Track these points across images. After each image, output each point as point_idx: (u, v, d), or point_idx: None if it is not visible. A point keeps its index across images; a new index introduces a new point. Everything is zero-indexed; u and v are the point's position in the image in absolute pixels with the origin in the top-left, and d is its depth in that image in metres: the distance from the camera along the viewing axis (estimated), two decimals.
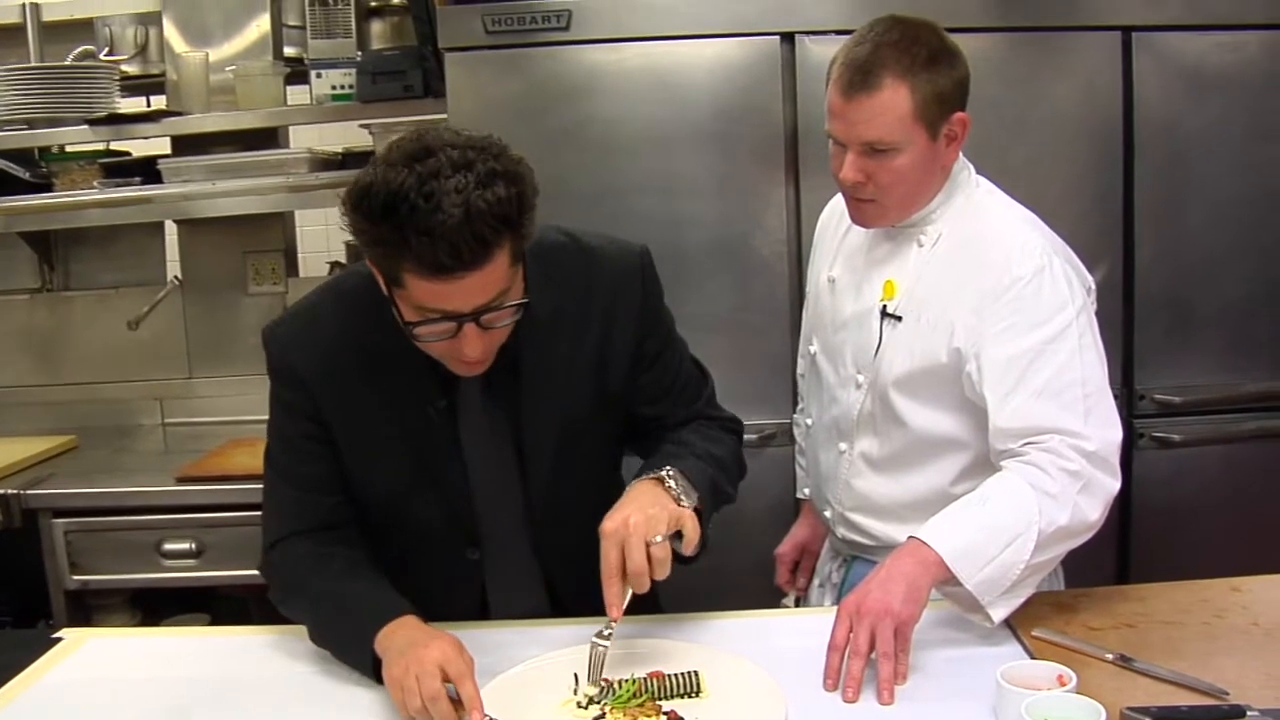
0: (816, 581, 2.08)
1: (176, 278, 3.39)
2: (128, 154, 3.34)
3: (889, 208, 1.76)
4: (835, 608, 1.55)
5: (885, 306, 1.80)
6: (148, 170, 3.14)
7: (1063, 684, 1.36)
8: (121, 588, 2.80)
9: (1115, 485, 1.63)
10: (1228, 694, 1.38)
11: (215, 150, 3.12)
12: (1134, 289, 2.59)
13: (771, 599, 2.16)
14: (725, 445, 1.74)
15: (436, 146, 1.37)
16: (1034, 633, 1.57)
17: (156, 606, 2.88)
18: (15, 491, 2.74)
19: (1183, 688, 1.41)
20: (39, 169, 3.20)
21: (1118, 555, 2.61)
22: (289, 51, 3.23)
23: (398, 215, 1.33)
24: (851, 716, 1.42)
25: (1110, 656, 1.49)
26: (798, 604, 2.14)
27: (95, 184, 3.11)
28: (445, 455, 1.64)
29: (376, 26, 3.16)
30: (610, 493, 1.56)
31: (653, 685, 1.47)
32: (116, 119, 3.10)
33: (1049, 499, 1.56)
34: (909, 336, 1.76)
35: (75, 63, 3.18)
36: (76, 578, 2.73)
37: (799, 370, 2.16)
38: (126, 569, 2.74)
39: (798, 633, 1.68)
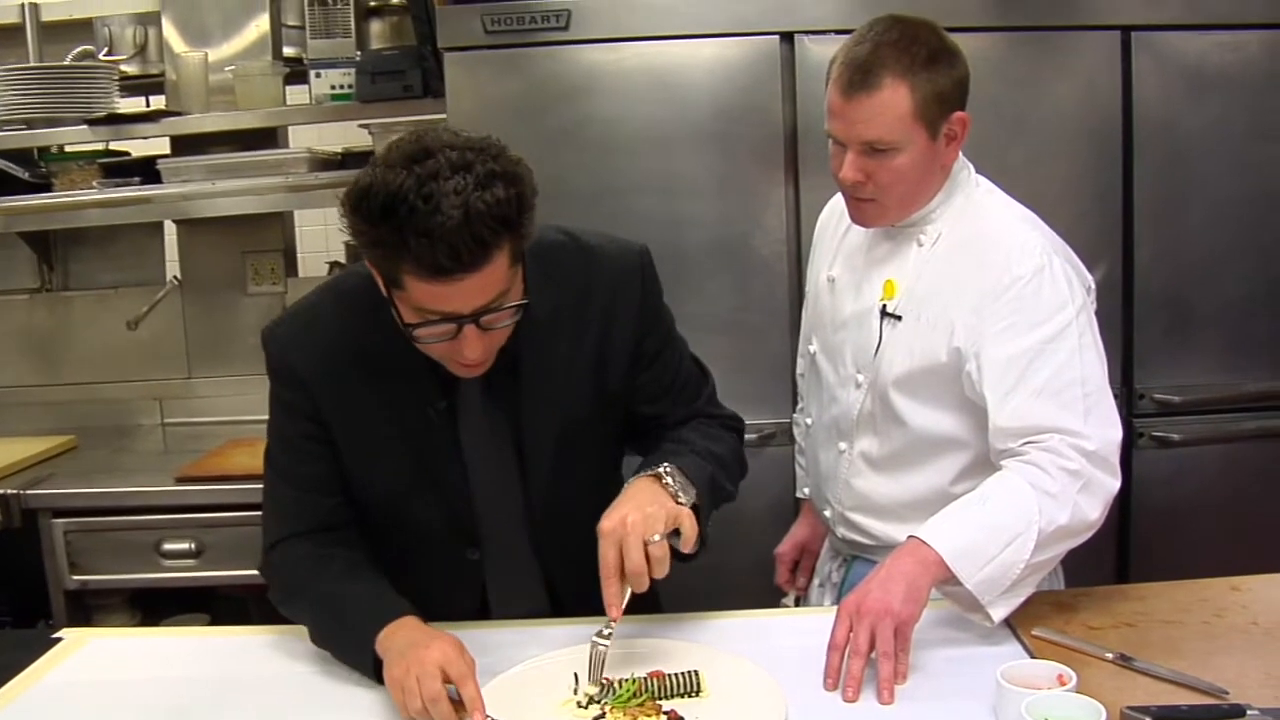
0: (816, 581, 2.08)
1: (176, 278, 3.38)
2: (127, 154, 3.34)
3: (889, 207, 1.76)
4: (835, 607, 1.55)
5: (885, 306, 1.80)
6: (147, 170, 3.14)
7: (1063, 683, 1.36)
8: (121, 588, 2.80)
9: (1115, 484, 1.63)
10: (1227, 693, 1.38)
11: (214, 150, 3.12)
12: (1133, 288, 2.59)
13: (771, 599, 2.16)
14: (725, 443, 1.74)
15: (435, 148, 1.37)
16: (1034, 632, 1.57)
17: (156, 606, 2.88)
18: (15, 491, 2.74)
19: (1182, 687, 1.41)
20: (38, 169, 3.20)
21: (1117, 554, 2.62)
22: (288, 51, 3.23)
23: (396, 217, 1.33)
24: (851, 716, 1.42)
25: (1110, 656, 1.49)
26: (798, 604, 2.14)
27: (94, 184, 3.11)
28: (445, 456, 1.63)
29: (376, 26, 3.16)
30: (610, 492, 1.55)
31: (653, 685, 1.47)
32: (116, 119, 3.10)
33: (1049, 498, 1.56)
34: (909, 336, 1.76)
35: (74, 63, 3.18)
36: (76, 578, 2.73)
37: (799, 370, 2.16)
38: (126, 569, 2.74)
39: (798, 632, 1.68)
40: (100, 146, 3.23)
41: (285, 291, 3.34)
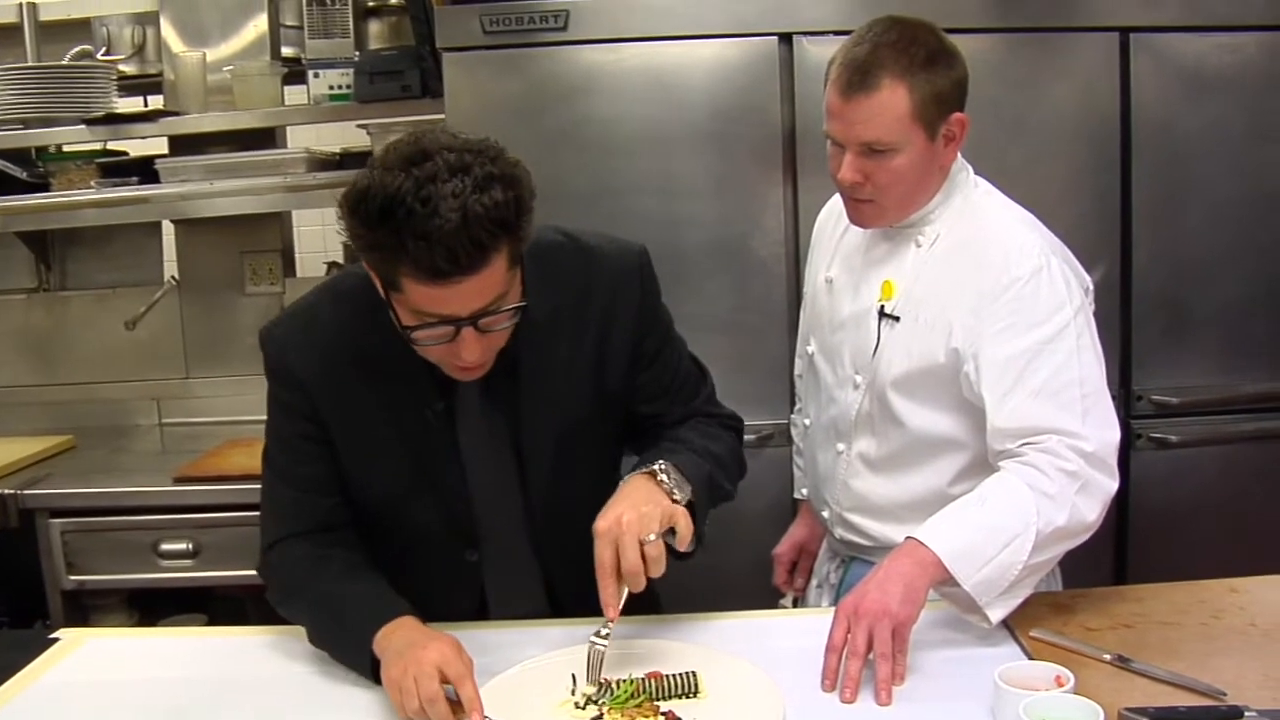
0: (814, 582, 2.08)
1: (174, 278, 3.38)
2: (125, 154, 3.33)
3: (887, 208, 1.76)
4: (833, 608, 1.55)
5: (883, 307, 1.80)
6: (145, 170, 3.14)
7: (1060, 685, 1.36)
8: (118, 588, 2.80)
9: (1113, 486, 1.63)
10: (1225, 694, 1.38)
11: (212, 150, 3.12)
12: (1132, 289, 2.59)
13: (769, 599, 2.16)
14: (724, 442, 1.74)
15: (433, 150, 1.36)
16: (1032, 633, 1.57)
17: (153, 607, 2.87)
18: (12, 491, 2.73)
19: (1180, 688, 1.41)
20: (36, 169, 3.20)
21: (1115, 556, 2.62)
22: (286, 51, 3.23)
23: (394, 220, 1.33)
24: (849, 717, 1.42)
25: (1108, 657, 1.49)
26: (795, 604, 2.14)
27: (92, 184, 3.11)
28: (443, 458, 1.63)
29: (374, 26, 3.16)
30: (609, 492, 1.55)
31: (650, 686, 1.46)
32: (114, 119, 3.10)
33: (1047, 499, 1.56)
34: (907, 337, 1.76)
35: (72, 62, 3.18)
36: (73, 578, 2.73)
37: (797, 371, 2.16)
38: (123, 569, 2.74)
39: (796, 633, 1.68)
40: (98, 146, 3.23)
41: (283, 292, 3.34)
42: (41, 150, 3.25)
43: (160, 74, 3.22)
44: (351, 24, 3.08)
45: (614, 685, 1.47)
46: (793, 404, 2.25)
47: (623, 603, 1.48)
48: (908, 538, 1.57)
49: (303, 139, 3.39)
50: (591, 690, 1.47)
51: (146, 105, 3.35)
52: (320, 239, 3.58)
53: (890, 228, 1.81)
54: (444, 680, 1.39)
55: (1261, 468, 2.63)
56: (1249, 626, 1.59)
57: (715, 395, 1.82)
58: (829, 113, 1.73)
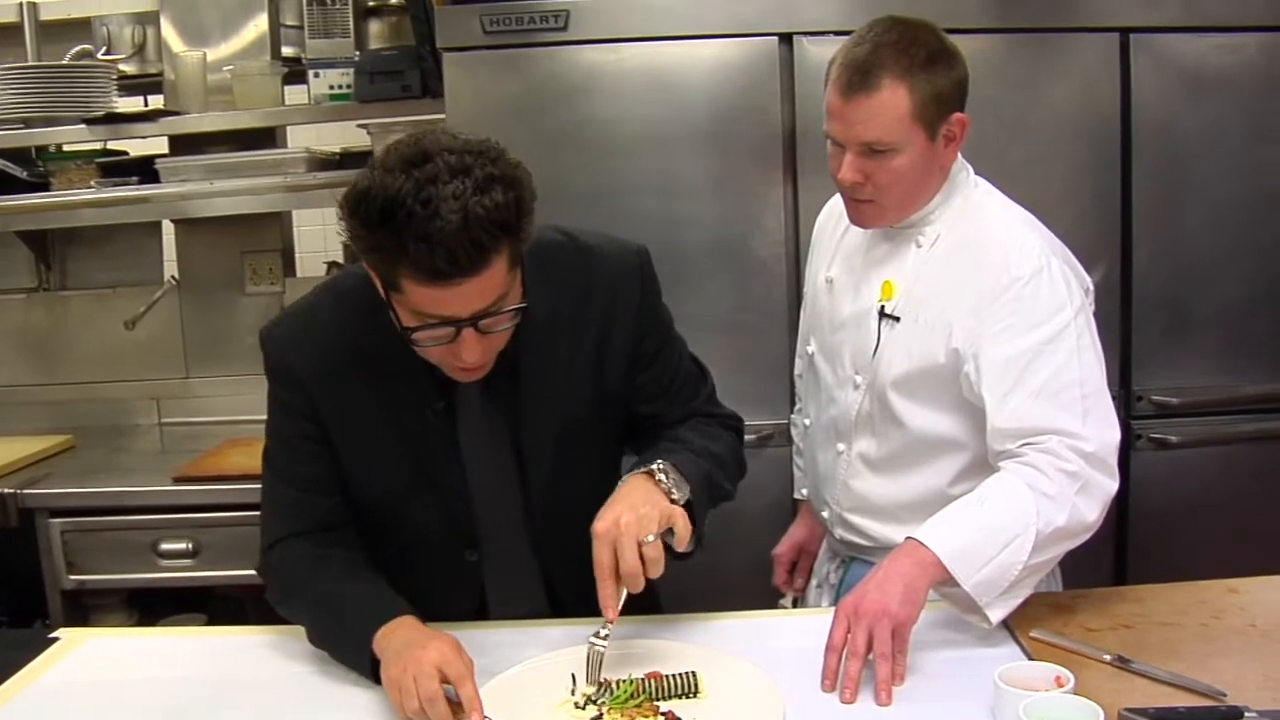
0: (814, 582, 2.08)
1: (173, 277, 3.38)
2: (125, 153, 3.33)
3: (887, 208, 1.76)
4: (833, 608, 1.55)
5: (883, 307, 1.80)
6: (145, 170, 3.14)
7: (1060, 685, 1.36)
8: (118, 587, 2.80)
9: (1113, 486, 1.63)
10: (1225, 695, 1.38)
11: (212, 150, 3.12)
12: (1132, 290, 2.59)
13: (769, 599, 2.16)
14: (723, 442, 1.74)
15: (434, 151, 1.36)
16: (1032, 634, 1.57)
17: (153, 606, 2.87)
18: (12, 491, 2.73)
19: (1180, 689, 1.41)
20: (36, 168, 3.20)
21: (1115, 556, 2.62)
22: (287, 51, 3.23)
23: (395, 221, 1.33)
24: (849, 717, 1.42)
25: (1108, 657, 1.49)
26: (795, 605, 2.13)
27: (92, 183, 3.11)
28: (443, 458, 1.63)
29: (374, 26, 3.16)
30: (609, 492, 1.55)
31: (650, 686, 1.46)
32: (114, 118, 3.10)
33: (1047, 500, 1.56)
34: (907, 337, 1.76)
35: (72, 62, 3.18)
36: (73, 577, 2.73)
37: (797, 371, 2.16)
38: (123, 569, 2.74)
39: (795, 633, 1.68)
40: (98, 146, 3.23)
41: (283, 291, 3.34)
42: (42, 150, 3.26)
43: (160, 73, 3.22)
44: (352, 24, 3.08)
45: (614, 685, 1.47)
46: (793, 404, 2.25)
47: (622, 604, 1.48)
48: (908, 538, 1.56)
49: (303, 139, 3.39)
50: (591, 690, 1.47)
51: (147, 105, 3.35)
52: (320, 239, 3.58)
53: (890, 228, 1.81)
54: (444, 680, 1.39)
55: (1261, 468, 2.63)
56: (1249, 627, 1.59)
57: (715, 395, 1.82)
58: (829, 113, 1.73)
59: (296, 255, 3.53)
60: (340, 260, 3.28)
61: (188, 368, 3.40)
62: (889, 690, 1.44)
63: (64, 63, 3.16)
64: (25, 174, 3.15)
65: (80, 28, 3.29)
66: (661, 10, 2.54)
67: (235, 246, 3.35)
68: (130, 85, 3.28)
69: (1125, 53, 2.54)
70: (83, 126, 3.08)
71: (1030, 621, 1.59)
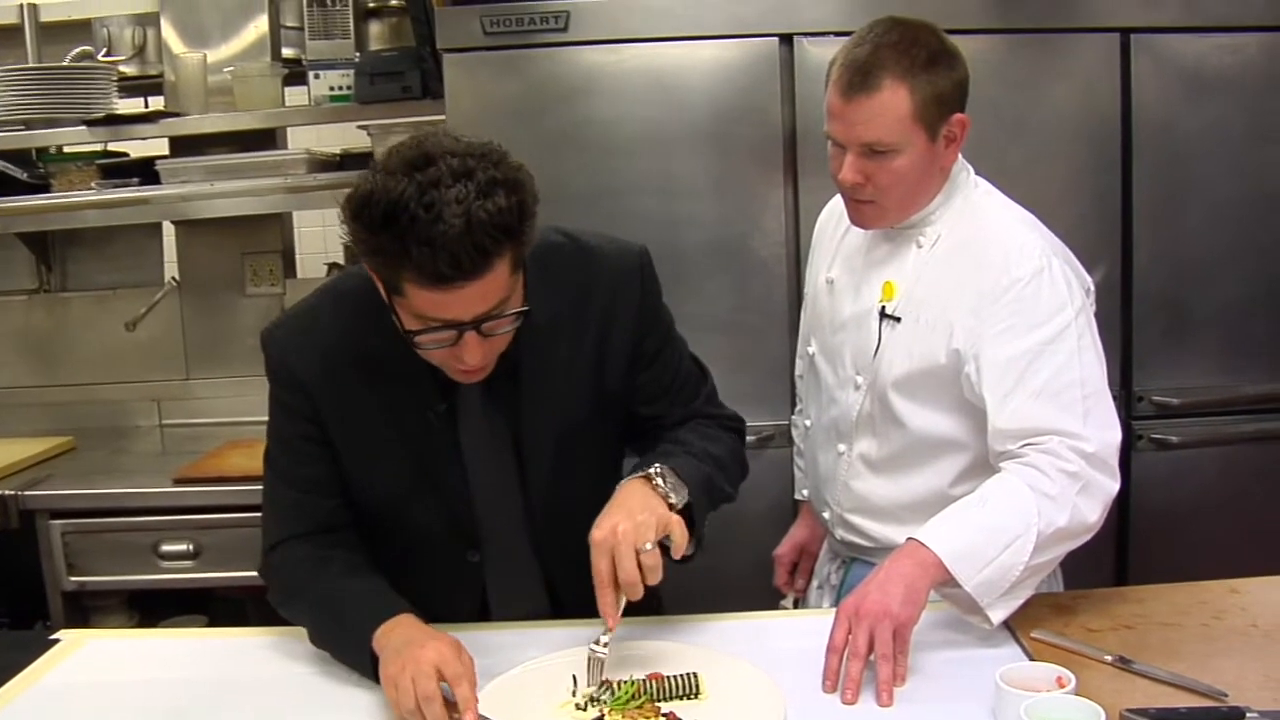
0: (815, 583, 2.08)
1: (174, 279, 3.39)
2: (125, 155, 3.34)
3: (888, 209, 1.76)
4: (834, 609, 1.55)
5: (884, 307, 1.80)
6: (145, 171, 3.14)
7: (1062, 686, 1.35)
8: (119, 589, 2.80)
9: (1114, 486, 1.63)
10: (1226, 695, 1.38)
11: (213, 151, 3.12)
12: (1132, 290, 2.59)
13: (770, 600, 2.16)
14: (723, 443, 1.74)
15: (437, 154, 1.36)
16: (1033, 634, 1.57)
17: (154, 608, 2.87)
18: (12, 492, 2.73)
19: (1182, 689, 1.41)
20: (36, 170, 3.20)
21: (1116, 557, 2.62)
22: (287, 52, 3.23)
23: (398, 225, 1.33)
24: (850, 718, 1.42)
25: (1109, 658, 1.49)
26: (796, 605, 2.13)
27: (93, 185, 3.11)
28: (445, 459, 1.63)
29: (375, 27, 3.16)
30: (609, 493, 1.55)
31: (651, 687, 1.46)
32: (114, 120, 3.10)
33: (1048, 500, 1.56)
34: (908, 338, 1.76)
35: (73, 63, 3.18)
36: (74, 579, 2.73)
37: (797, 371, 2.16)
38: (124, 570, 2.74)
39: (796, 634, 1.68)
40: (99, 147, 3.23)
41: (284, 293, 3.34)
42: (42, 151, 3.26)
43: (161, 75, 3.22)
44: (352, 25, 3.08)
45: (615, 686, 1.47)
46: (793, 405, 2.25)
47: (621, 611, 1.48)
48: (909, 539, 1.56)
49: (303, 140, 3.39)
50: (592, 691, 1.47)
51: (147, 106, 3.35)
52: (321, 240, 3.58)
53: (891, 228, 1.81)
54: (441, 679, 1.39)
55: (1262, 468, 2.63)
56: (1250, 627, 1.59)
57: (716, 396, 1.82)
58: (830, 113, 1.73)
59: (297, 256, 3.52)
60: (341, 261, 3.28)
61: (188, 369, 3.40)
62: (890, 691, 1.44)
63: (64, 64, 3.16)
64: (26, 175, 3.15)
65: (81, 29, 3.29)
66: (661, 11, 2.54)
67: (236, 248, 3.35)
68: (131, 87, 3.28)
69: (1126, 53, 2.54)
70: (83, 128, 3.08)
71: (1031, 622, 1.59)
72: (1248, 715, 1.33)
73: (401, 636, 1.47)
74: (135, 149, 3.33)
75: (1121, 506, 2.55)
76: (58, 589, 2.73)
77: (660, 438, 1.71)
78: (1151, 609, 1.66)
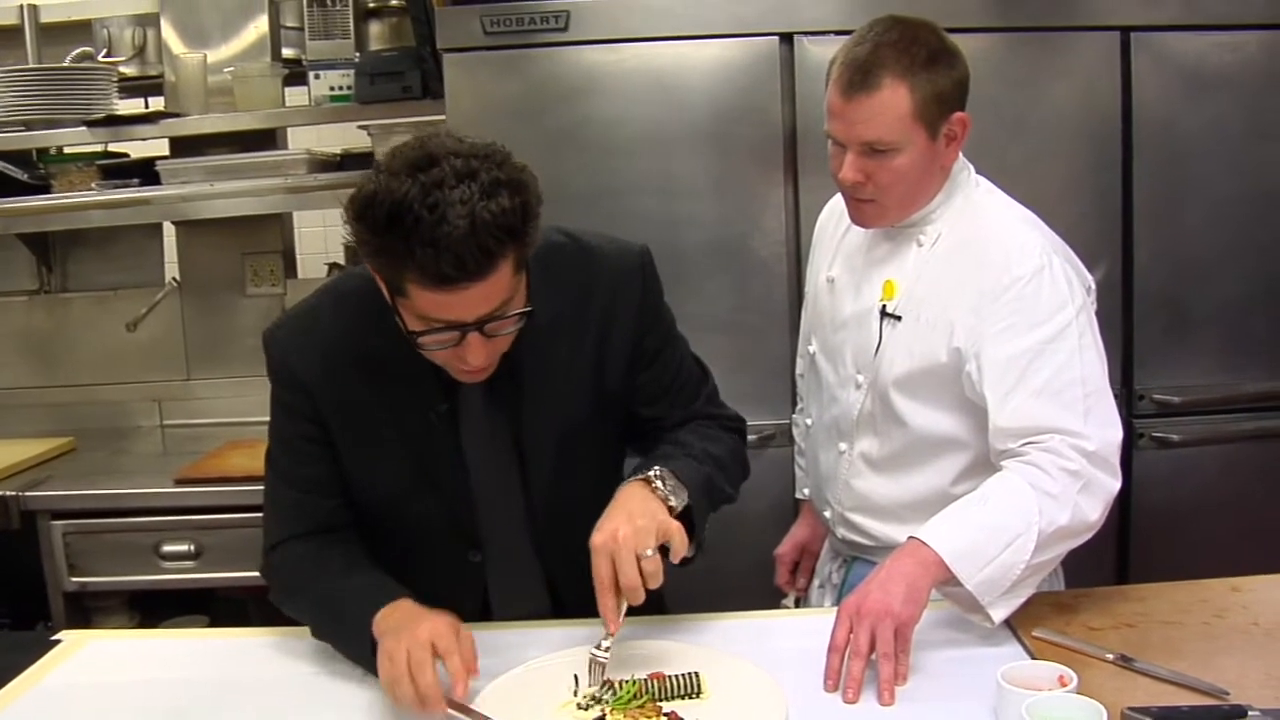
0: (816, 582, 2.08)
1: (175, 279, 3.39)
2: (126, 155, 3.34)
3: (888, 208, 1.76)
4: (835, 608, 1.55)
5: (885, 306, 1.80)
6: (146, 172, 3.14)
7: (1063, 684, 1.35)
8: (120, 589, 2.80)
9: (1115, 485, 1.63)
10: (1228, 694, 1.38)
11: (213, 152, 3.12)
12: (1133, 288, 2.59)
13: (771, 600, 2.16)
14: (724, 444, 1.74)
15: (440, 154, 1.36)
16: (1034, 633, 1.57)
17: (155, 608, 2.87)
18: (14, 493, 2.73)
19: (1183, 688, 1.41)
20: (37, 170, 3.20)
21: (1117, 555, 2.62)
22: (287, 53, 3.23)
23: (402, 226, 1.33)
24: (852, 717, 1.42)
25: (1111, 657, 1.49)
26: (798, 605, 2.13)
27: (93, 185, 3.12)
28: (446, 460, 1.63)
29: (375, 27, 3.16)
30: (610, 493, 1.55)
31: (653, 686, 1.46)
32: (114, 120, 3.10)
33: (1049, 499, 1.56)
34: (908, 336, 1.76)
35: (73, 64, 3.18)
36: (75, 579, 2.73)
37: (798, 370, 2.16)
38: (125, 571, 2.74)
39: (798, 633, 1.68)
40: (99, 148, 3.23)
41: (284, 293, 3.34)
42: (42, 152, 3.26)
43: (161, 75, 3.22)
44: (352, 25, 3.08)
45: (616, 686, 1.47)
46: (794, 404, 2.25)
47: (623, 615, 1.48)
48: (910, 537, 1.56)
49: (303, 140, 3.39)
50: (594, 690, 1.47)
51: (147, 107, 3.35)
52: (321, 240, 3.59)
53: (892, 227, 1.81)
54: (436, 655, 1.38)
55: (1263, 466, 2.63)
56: (1251, 625, 1.59)
57: (718, 396, 1.81)
58: (830, 112, 1.73)
59: (297, 257, 3.53)
60: (341, 262, 3.28)
61: (189, 369, 3.40)
62: (892, 690, 1.44)
63: (64, 65, 3.16)
64: (26, 176, 3.15)
65: (81, 30, 3.29)
66: (661, 10, 2.53)
67: (236, 248, 3.35)
68: (131, 87, 3.28)
69: (1126, 51, 2.54)
70: (83, 129, 3.08)
71: (1033, 621, 1.59)
72: (1249, 713, 1.33)
73: (399, 618, 1.47)
74: (135, 149, 3.33)
75: (1123, 505, 2.55)
76: (59, 590, 2.73)
77: (661, 438, 1.70)
78: (1153, 607, 1.66)
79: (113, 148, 3.30)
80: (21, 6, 3.21)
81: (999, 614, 1.54)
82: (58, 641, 1.75)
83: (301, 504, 1.66)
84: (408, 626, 1.43)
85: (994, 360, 1.67)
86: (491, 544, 1.69)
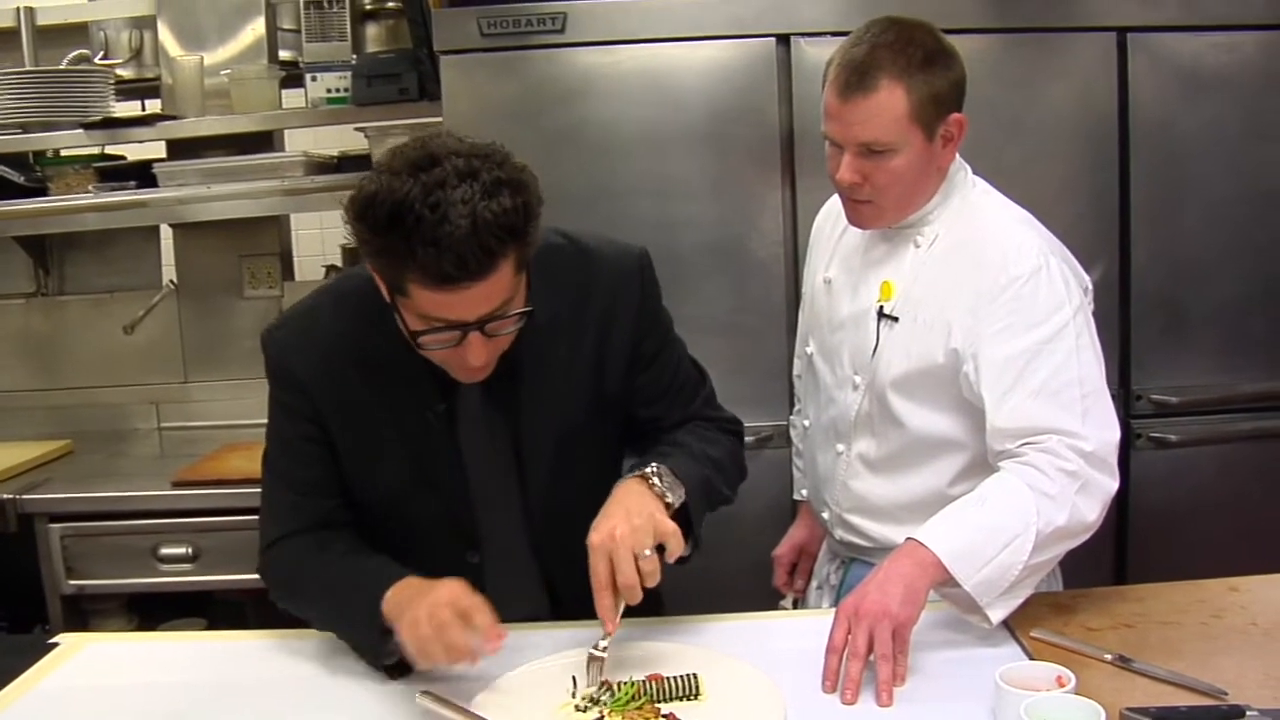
0: (814, 583, 2.08)
1: (172, 282, 3.39)
2: (123, 158, 3.33)
3: (886, 209, 1.76)
4: (833, 609, 1.54)
5: (882, 307, 1.80)
6: (143, 174, 3.14)
7: (1061, 685, 1.35)
8: (118, 592, 2.80)
9: (1113, 485, 1.63)
10: (1226, 694, 1.38)
11: (210, 154, 3.12)
12: (1130, 289, 2.59)
13: (769, 601, 2.16)
14: (721, 446, 1.74)
15: (441, 154, 1.36)
16: (1032, 633, 1.57)
17: (153, 611, 2.87)
18: (11, 496, 2.73)
19: (1181, 688, 1.41)
20: (34, 173, 3.19)
21: (1115, 556, 2.62)
22: (284, 55, 3.23)
23: (403, 226, 1.33)
24: (850, 718, 1.42)
25: (1109, 657, 1.49)
26: (796, 606, 2.13)
27: (90, 188, 3.11)
28: (444, 460, 1.63)
29: (371, 29, 3.15)
30: (608, 494, 1.55)
31: (651, 688, 1.46)
32: (111, 123, 3.10)
33: (1047, 499, 1.56)
34: (906, 337, 1.76)
35: (70, 67, 3.18)
36: (73, 582, 2.73)
37: (795, 371, 2.16)
38: (123, 573, 2.73)
39: (796, 635, 1.68)
40: (96, 150, 3.22)
41: (282, 295, 3.34)
42: (39, 155, 3.25)
43: (158, 78, 3.22)
44: (349, 27, 3.08)
45: (615, 687, 1.47)
46: (791, 405, 2.25)
47: (620, 614, 1.48)
48: (908, 538, 1.56)
49: (300, 142, 3.39)
50: (592, 691, 1.47)
51: (144, 109, 3.34)
52: (319, 242, 3.58)
53: (889, 228, 1.81)
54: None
55: (1260, 466, 2.63)
56: (1249, 626, 1.59)
57: (715, 399, 1.82)
58: (827, 114, 1.73)
59: (295, 259, 3.53)
60: (339, 264, 3.28)
61: (186, 372, 3.40)
62: (890, 691, 1.44)
63: (61, 68, 3.16)
64: (23, 179, 3.15)
65: (77, 32, 3.29)
66: (658, 12, 2.53)
67: (233, 250, 3.35)
68: (127, 90, 3.28)
69: (1123, 52, 2.54)
70: (80, 131, 3.08)
71: (1031, 621, 1.59)
72: (1248, 713, 1.33)
73: (410, 593, 1.47)
74: (132, 152, 3.32)
75: (1120, 505, 2.55)
76: (56, 592, 2.73)
77: (659, 439, 1.70)
78: (1151, 608, 1.66)
79: (110, 150, 3.29)
80: (18, 9, 3.21)
81: (997, 615, 1.54)
82: (55, 645, 1.74)
83: (299, 505, 1.66)
84: (424, 594, 1.43)
85: (991, 361, 1.67)
86: (489, 545, 1.69)
